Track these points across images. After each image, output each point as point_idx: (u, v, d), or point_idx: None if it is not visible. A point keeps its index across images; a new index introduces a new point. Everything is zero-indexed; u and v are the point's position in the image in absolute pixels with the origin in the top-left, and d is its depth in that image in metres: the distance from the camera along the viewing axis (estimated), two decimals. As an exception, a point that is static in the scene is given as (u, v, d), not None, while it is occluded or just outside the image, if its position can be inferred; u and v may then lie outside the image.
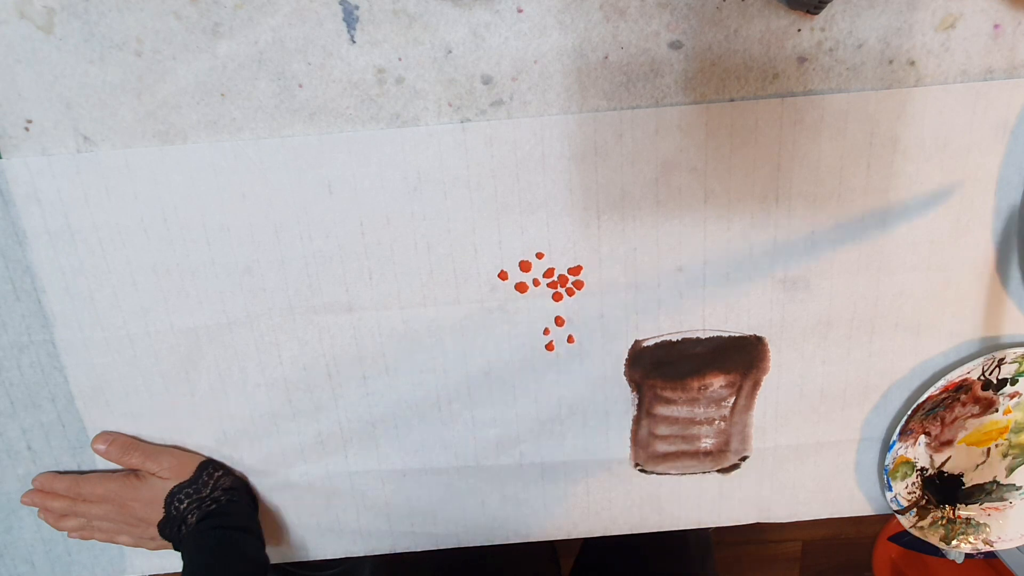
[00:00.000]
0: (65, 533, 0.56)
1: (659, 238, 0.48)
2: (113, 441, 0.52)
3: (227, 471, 0.54)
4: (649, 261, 0.49)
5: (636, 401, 0.53)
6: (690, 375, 0.52)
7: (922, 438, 0.55)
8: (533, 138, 0.46)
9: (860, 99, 0.45)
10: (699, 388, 0.53)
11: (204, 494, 0.51)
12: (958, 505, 0.57)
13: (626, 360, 0.52)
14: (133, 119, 0.45)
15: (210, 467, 0.53)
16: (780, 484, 0.57)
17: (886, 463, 0.54)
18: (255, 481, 0.55)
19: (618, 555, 0.72)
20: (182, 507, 0.51)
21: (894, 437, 0.53)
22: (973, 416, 0.55)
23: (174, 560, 0.58)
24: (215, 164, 0.46)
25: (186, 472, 0.52)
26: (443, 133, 0.46)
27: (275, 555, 0.59)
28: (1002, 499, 0.57)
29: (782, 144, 0.46)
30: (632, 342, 0.51)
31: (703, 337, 0.51)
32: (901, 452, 0.55)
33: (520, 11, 0.43)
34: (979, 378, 0.53)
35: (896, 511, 0.56)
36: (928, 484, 0.57)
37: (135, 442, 0.53)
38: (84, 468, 0.54)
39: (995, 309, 0.51)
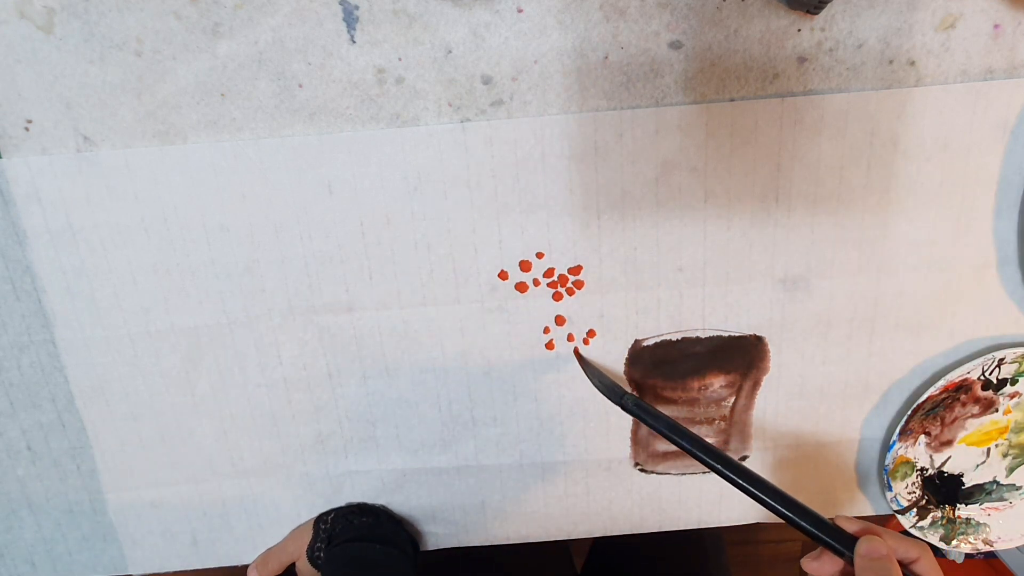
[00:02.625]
0: (64, 532, 0.56)
1: (659, 238, 0.49)
2: (259, 567, 0.56)
3: (337, 510, 0.56)
4: (649, 261, 0.49)
5: (636, 401, 0.53)
6: (690, 375, 0.52)
7: (922, 438, 0.55)
8: (533, 138, 0.46)
9: (860, 99, 0.45)
10: (699, 388, 0.53)
11: (323, 538, 0.54)
12: (958, 505, 0.57)
13: (626, 360, 0.52)
14: (133, 119, 0.45)
15: (320, 519, 0.55)
16: (780, 484, 0.56)
17: (886, 463, 0.54)
18: (256, 481, 0.55)
19: (631, 553, 0.72)
20: (318, 557, 0.54)
21: (894, 437, 0.53)
22: (973, 416, 0.55)
23: (174, 560, 0.58)
24: (215, 164, 0.46)
25: (307, 536, 0.55)
26: (443, 133, 0.46)
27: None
28: (1002, 499, 0.57)
29: (782, 144, 0.46)
30: (632, 342, 0.51)
31: (703, 337, 0.51)
32: (901, 452, 0.55)
33: (520, 11, 0.43)
34: (979, 378, 0.53)
35: (896, 511, 0.56)
36: (928, 484, 0.57)
37: (268, 554, 0.57)
38: (83, 469, 0.54)
39: (995, 309, 0.51)
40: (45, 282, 0.49)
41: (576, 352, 0.51)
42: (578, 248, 0.49)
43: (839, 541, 0.36)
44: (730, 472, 0.40)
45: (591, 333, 0.51)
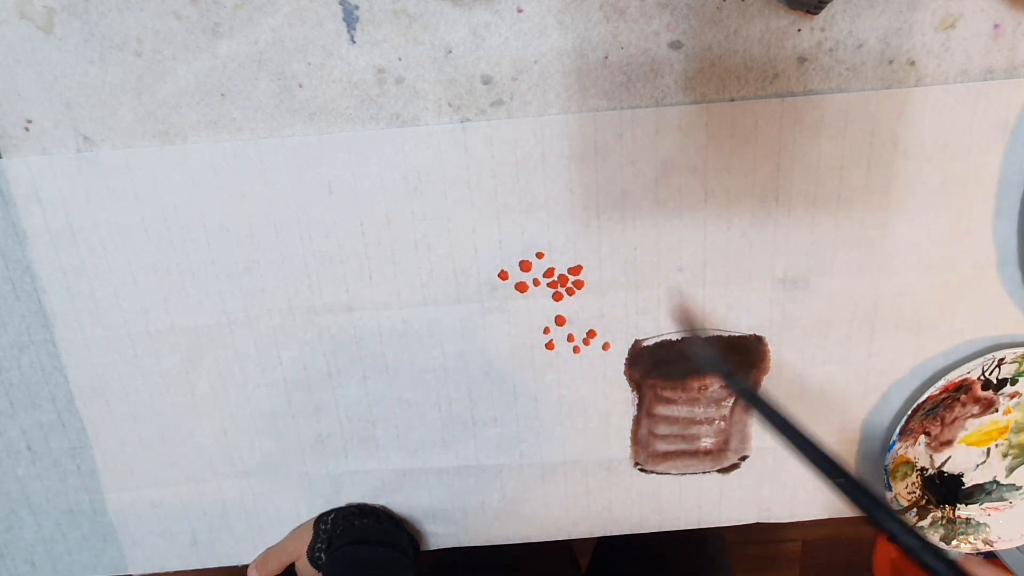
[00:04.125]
0: (64, 532, 0.56)
1: (659, 238, 0.48)
2: (259, 567, 0.56)
3: (337, 511, 0.56)
4: (649, 261, 0.49)
5: (636, 401, 0.53)
6: (690, 375, 0.52)
7: (922, 438, 0.55)
8: (533, 138, 0.46)
9: (860, 99, 0.45)
10: (699, 388, 0.53)
11: (324, 540, 0.54)
12: (958, 505, 0.57)
13: (626, 360, 0.52)
14: (133, 119, 0.45)
15: (321, 519, 0.55)
16: (780, 484, 0.57)
17: (886, 463, 0.54)
18: (256, 481, 0.55)
19: (635, 554, 0.72)
20: (319, 558, 0.54)
21: (894, 437, 0.53)
22: (973, 416, 0.55)
23: (174, 560, 0.58)
24: (215, 164, 0.46)
25: (307, 536, 0.55)
26: (443, 133, 0.46)
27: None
28: (1002, 499, 0.57)
29: (782, 144, 0.46)
30: (632, 342, 0.51)
31: (703, 337, 0.51)
32: (901, 452, 0.55)
33: (520, 11, 0.43)
34: (979, 378, 0.53)
35: (896, 511, 0.56)
36: (928, 484, 0.57)
37: (267, 554, 0.57)
38: (83, 469, 0.54)
39: (995, 309, 0.51)
40: (45, 282, 0.49)
41: (681, 306, 0.46)
42: (578, 248, 0.49)
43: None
44: (845, 485, 0.34)
45: (591, 333, 0.51)
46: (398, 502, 0.57)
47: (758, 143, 0.46)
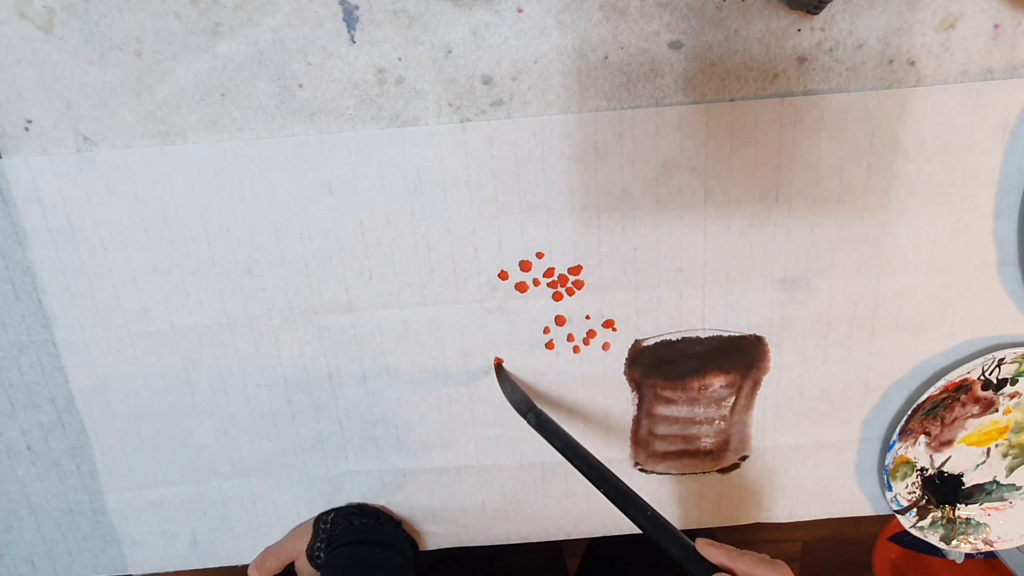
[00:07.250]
0: (64, 532, 0.56)
1: (659, 238, 0.49)
2: (258, 566, 0.56)
3: (337, 511, 0.56)
4: (649, 261, 0.49)
5: (636, 401, 0.53)
6: (690, 375, 0.52)
7: (922, 438, 0.55)
8: (533, 138, 0.46)
9: (860, 99, 0.45)
10: (699, 388, 0.53)
11: (323, 539, 0.54)
12: (958, 505, 0.57)
13: (626, 360, 0.52)
14: (133, 119, 0.45)
15: (320, 519, 0.56)
16: (780, 484, 0.57)
17: (886, 463, 0.54)
18: (256, 481, 0.55)
19: (625, 554, 0.72)
20: (318, 558, 0.54)
21: (894, 437, 0.53)
22: (973, 416, 0.55)
23: (174, 560, 0.58)
24: (215, 164, 0.46)
25: (307, 535, 0.55)
26: (443, 133, 0.46)
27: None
28: (1002, 499, 0.57)
29: (782, 144, 0.46)
30: (632, 342, 0.51)
31: (703, 337, 0.51)
32: (901, 452, 0.55)
33: (520, 11, 0.43)
34: (979, 378, 0.53)
35: (896, 511, 0.56)
36: (928, 484, 0.57)
37: (267, 552, 0.57)
38: (83, 469, 0.54)
39: (995, 309, 0.51)
40: (45, 282, 0.49)
41: (496, 363, 0.52)
42: (578, 248, 0.49)
43: (703, 570, 0.38)
44: (613, 494, 0.41)
45: (591, 333, 0.51)
46: (398, 502, 0.57)
47: (758, 143, 0.46)
